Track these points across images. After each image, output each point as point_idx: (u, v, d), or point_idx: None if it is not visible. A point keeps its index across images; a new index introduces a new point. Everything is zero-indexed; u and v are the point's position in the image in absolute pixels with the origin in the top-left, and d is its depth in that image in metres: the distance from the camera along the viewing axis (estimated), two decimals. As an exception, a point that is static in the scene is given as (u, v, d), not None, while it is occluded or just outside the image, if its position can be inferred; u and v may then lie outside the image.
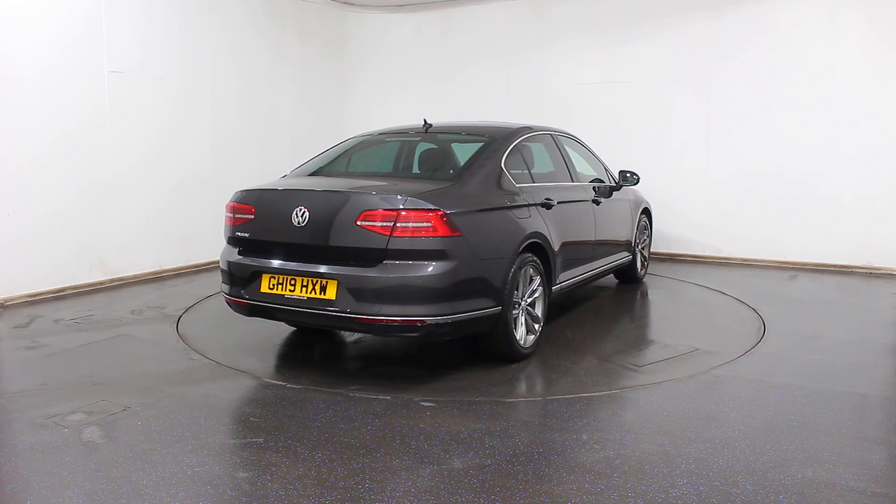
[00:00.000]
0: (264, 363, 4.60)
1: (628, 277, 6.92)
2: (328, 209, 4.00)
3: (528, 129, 5.28)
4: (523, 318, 4.46)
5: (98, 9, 6.52)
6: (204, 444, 3.29)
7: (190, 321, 5.49)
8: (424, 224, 3.80)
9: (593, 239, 5.59)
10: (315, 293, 3.96)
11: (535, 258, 4.54)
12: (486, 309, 4.07)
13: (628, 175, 6.24)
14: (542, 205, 4.75)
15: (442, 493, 2.78)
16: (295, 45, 8.99)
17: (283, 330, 5.24)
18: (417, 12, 9.71)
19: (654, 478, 2.92)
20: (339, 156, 5.17)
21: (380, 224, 3.83)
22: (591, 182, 5.91)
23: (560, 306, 6.05)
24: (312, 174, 4.88)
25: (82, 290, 6.50)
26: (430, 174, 4.91)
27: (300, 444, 3.23)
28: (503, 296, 4.17)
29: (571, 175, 5.56)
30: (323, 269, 3.96)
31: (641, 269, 7.06)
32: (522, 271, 4.38)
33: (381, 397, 3.87)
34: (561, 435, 3.36)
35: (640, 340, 5.07)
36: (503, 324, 4.22)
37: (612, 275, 6.85)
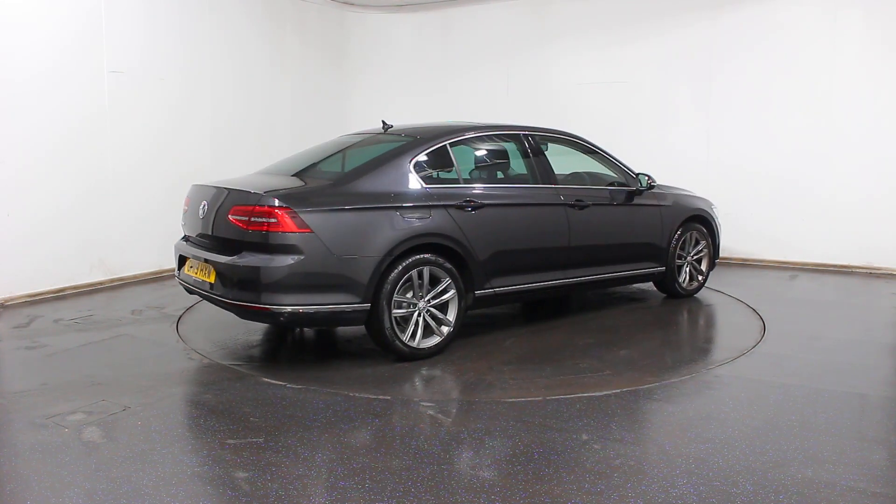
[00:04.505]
0: (264, 363, 4.60)
1: (668, 291, 6.25)
2: (217, 204, 4.50)
3: (476, 128, 5.21)
4: (419, 318, 4.48)
5: (98, 9, 6.52)
6: (204, 444, 3.29)
7: (190, 321, 5.49)
8: (272, 220, 4.11)
9: (566, 246, 5.25)
10: (205, 277, 4.46)
11: (443, 260, 4.53)
12: (347, 304, 4.22)
13: (645, 179, 5.82)
14: (459, 206, 4.66)
15: (442, 493, 2.78)
16: (295, 45, 8.99)
17: (282, 330, 5.24)
18: (417, 12, 9.71)
19: (654, 478, 2.92)
20: (299, 156, 5.33)
21: (240, 218, 4.25)
22: (607, 186, 5.71)
23: (555, 312, 6.04)
24: (259, 172, 5.29)
25: (82, 290, 6.49)
26: (331, 174, 4.84)
27: (300, 444, 3.24)
28: (378, 294, 4.28)
29: (540, 177, 5.26)
30: (209, 256, 4.44)
31: (690, 283, 6.28)
32: (417, 272, 4.42)
33: (381, 397, 3.88)
34: (561, 435, 3.36)
35: (594, 350, 4.87)
36: (376, 321, 4.31)
37: (654, 287, 6.35)
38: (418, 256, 4.43)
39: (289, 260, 4.09)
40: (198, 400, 3.90)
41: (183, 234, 5.03)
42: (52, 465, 3.01)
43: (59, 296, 6.27)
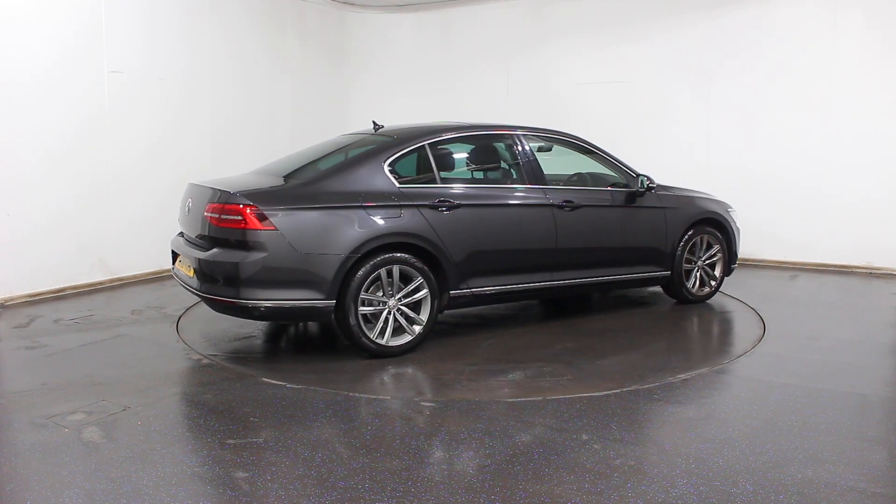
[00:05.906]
0: (264, 363, 4.60)
1: (676, 296, 6.05)
2: (198, 201, 4.64)
3: (460, 128, 5.22)
4: (389, 316, 4.49)
5: (98, 9, 6.52)
6: (204, 444, 3.30)
7: (190, 321, 5.49)
8: (237, 217, 4.27)
9: (552, 248, 5.15)
10: (188, 272, 4.63)
11: (415, 259, 4.54)
12: (312, 300, 4.31)
13: (645, 181, 5.59)
14: (433, 206, 4.65)
15: (442, 493, 2.78)
16: (295, 45, 8.99)
17: (282, 330, 5.24)
18: (417, 12, 9.71)
19: (654, 478, 2.93)
20: (292, 157, 5.36)
21: (213, 215, 4.41)
22: (609, 187, 5.58)
23: (552, 313, 6.03)
24: (250, 172, 5.38)
25: (82, 290, 6.49)
26: (309, 174, 4.84)
27: (300, 444, 3.24)
28: (344, 291, 4.34)
29: (527, 177, 5.17)
30: (189, 251, 4.62)
31: (700, 288, 6.06)
32: (386, 270, 4.45)
33: (381, 397, 3.88)
34: (561, 435, 3.36)
35: (568, 351, 4.81)
36: (343, 317, 4.37)
37: (663, 291, 6.16)
38: (387, 255, 4.45)
39: (254, 256, 4.21)
40: (198, 400, 3.90)
41: (179, 231, 5.19)
42: (52, 465, 3.01)
43: (59, 296, 6.27)
